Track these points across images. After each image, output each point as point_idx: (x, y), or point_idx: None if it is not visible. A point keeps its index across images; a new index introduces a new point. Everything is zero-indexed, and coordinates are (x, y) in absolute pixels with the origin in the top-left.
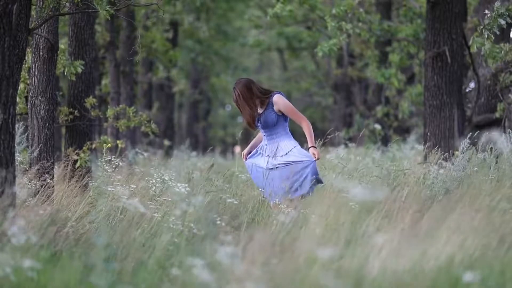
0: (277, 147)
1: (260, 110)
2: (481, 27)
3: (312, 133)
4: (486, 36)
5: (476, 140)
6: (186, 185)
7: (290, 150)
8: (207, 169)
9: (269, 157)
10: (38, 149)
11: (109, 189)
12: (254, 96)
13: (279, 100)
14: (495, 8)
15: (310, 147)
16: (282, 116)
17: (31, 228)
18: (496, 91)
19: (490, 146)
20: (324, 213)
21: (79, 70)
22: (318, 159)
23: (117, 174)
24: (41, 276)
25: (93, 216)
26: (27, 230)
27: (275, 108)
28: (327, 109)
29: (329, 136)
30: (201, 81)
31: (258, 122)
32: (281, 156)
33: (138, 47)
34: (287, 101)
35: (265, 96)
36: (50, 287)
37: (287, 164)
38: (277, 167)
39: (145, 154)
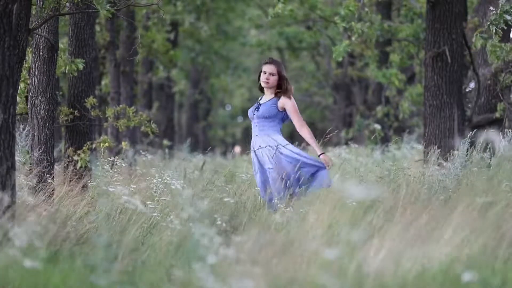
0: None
1: (263, 100)
2: (488, 22)
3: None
4: (494, 31)
5: (475, 140)
6: (183, 181)
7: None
8: (200, 168)
9: (261, 148)
10: (38, 149)
11: (110, 189)
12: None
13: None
14: (500, 5)
15: (320, 154)
16: (283, 113)
17: (31, 228)
18: (496, 91)
19: (490, 146)
20: (324, 212)
21: (81, 67)
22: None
23: (117, 174)
24: (41, 276)
25: (93, 216)
26: (27, 230)
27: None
28: (327, 109)
29: (328, 136)
30: (201, 81)
31: (256, 111)
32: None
33: (138, 47)
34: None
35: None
36: (50, 287)
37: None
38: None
39: (148, 156)
